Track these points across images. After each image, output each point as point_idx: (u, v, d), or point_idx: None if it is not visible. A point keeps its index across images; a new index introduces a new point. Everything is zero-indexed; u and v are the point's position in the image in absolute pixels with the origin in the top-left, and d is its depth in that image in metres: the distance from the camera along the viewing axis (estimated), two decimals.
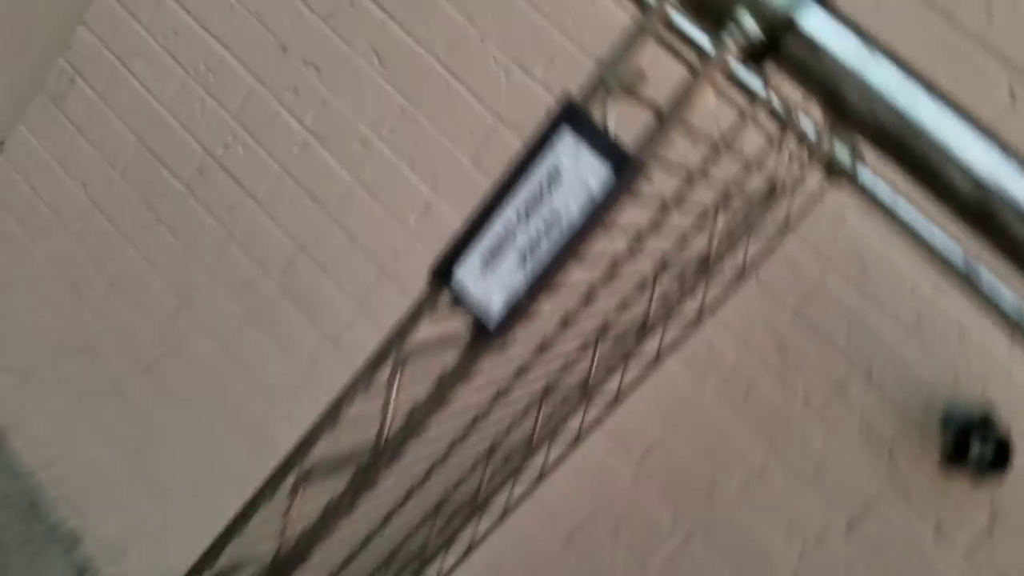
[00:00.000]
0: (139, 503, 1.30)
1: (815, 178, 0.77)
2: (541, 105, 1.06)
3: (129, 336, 1.31)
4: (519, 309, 0.31)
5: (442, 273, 0.32)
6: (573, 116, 0.30)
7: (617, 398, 0.78)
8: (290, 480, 0.36)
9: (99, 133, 1.33)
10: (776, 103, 0.48)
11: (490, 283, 0.31)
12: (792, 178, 0.60)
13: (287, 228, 1.21)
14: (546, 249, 0.30)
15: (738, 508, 0.97)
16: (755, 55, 0.28)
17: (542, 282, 0.30)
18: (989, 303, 0.72)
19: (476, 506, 0.72)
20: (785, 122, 0.55)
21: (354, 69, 1.17)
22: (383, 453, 0.33)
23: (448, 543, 0.77)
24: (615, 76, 0.29)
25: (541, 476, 0.84)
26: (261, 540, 0.40)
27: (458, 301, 0.32)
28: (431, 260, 0.93)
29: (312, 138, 1.20)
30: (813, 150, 0.68)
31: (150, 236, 1.30)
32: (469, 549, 0.79)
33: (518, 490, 0.80)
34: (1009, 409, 0.82)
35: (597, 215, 0.30)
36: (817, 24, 0.27)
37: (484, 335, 0.31)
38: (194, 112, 1.26)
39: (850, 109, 0.27)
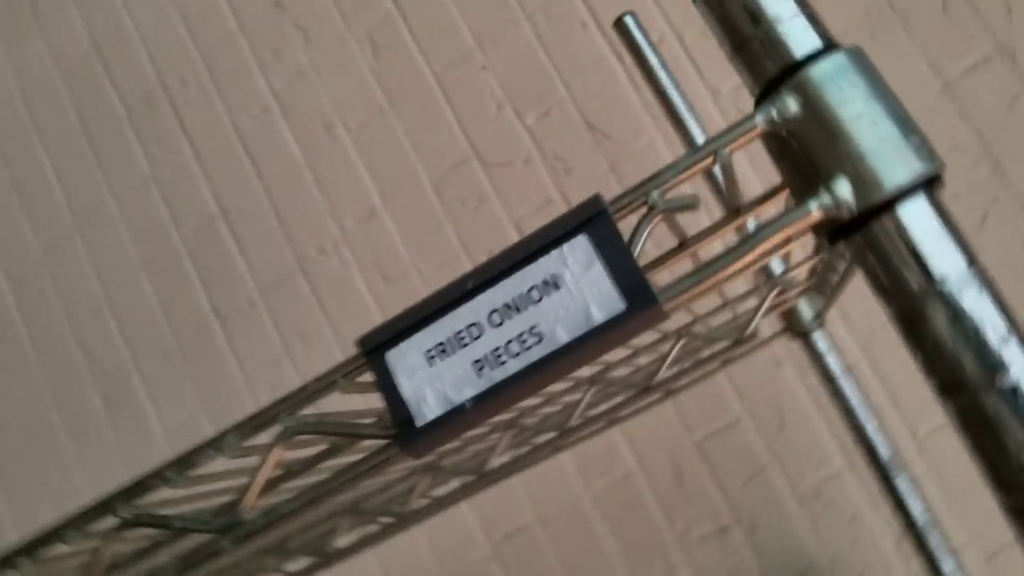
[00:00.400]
0: None
1: (769, 322, 0.74)
2: (522, 151, 1.01)
3: (9, 242, 1.19)
4: (455, 426, 0.25)
5: (372, 348, 0.26)
6: (597, 224, 0.24)
7: (497, 477, 0.73)
8: (107, 522, 0.29)
9: (54, 24, 1.22)
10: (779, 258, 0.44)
11: (429, 381, 0.25)
12: (756, 323, 0.56)
13: (217, 187, 1.12)
14: (513, 367, 0.24)
15: None
16: (835, 231, 0.23)
17: (496, 403, 0.25)
18: (898, 503, 0.69)
19: (325, 555, 0.64)
20: (777, 279, 0.51)
21: (345, 51, 1.10)
22: (230, 532, 0.27)
23: None
24: (663, 196, 0.24)
25: (398, 525, 0.76)
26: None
27: (382, 389, 0.26)
28: (356, 272, 0.86)
29: (276, 105, 1.12)
30: (782, 301, 0.64)
31: (69, 146, 1.19)
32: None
33: (371, 528, 0.73)
34: None
35: (590, 348, 0.24)
36: (919, 218, 0.22)
37: (402, 441, 0.25)
38: (163, 38, 1.17)
39: (927, 328, 0.22)
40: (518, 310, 0.25)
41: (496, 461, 0.61)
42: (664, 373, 0.54)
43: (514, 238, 1.02)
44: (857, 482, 0.83)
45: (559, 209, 1.00)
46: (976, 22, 0.81)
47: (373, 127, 1.08)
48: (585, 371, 0.56)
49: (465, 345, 0.25)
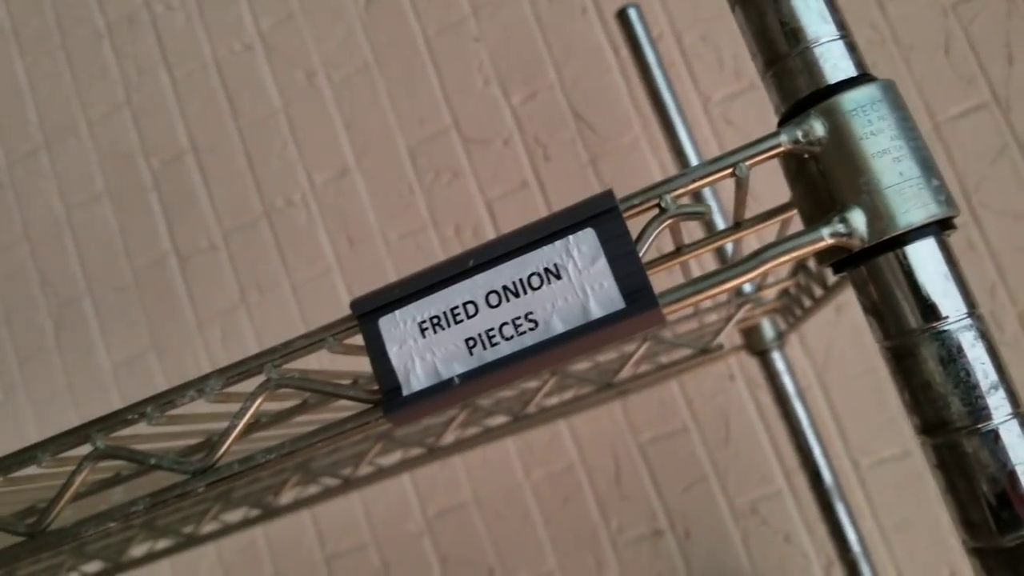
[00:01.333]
0: None
1: (728, 336, 0.74)
2: (504, 130, 1.00)
3: None
4: (441, 400, 0.25)
5: (365, 312, 0.26)
6: (607, 220, 0.24)
7: (445, 453, 0.73)
8: (79, 450, 0.28)
9: None
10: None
11: (419, 352, 0.25)
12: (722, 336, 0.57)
13: (190, 120, 1.10)
14: (505, 350, 0.24)
15: None
16: (842, 260, 0.23)
17: (484, 382, 0.24)
18: (835, 530, 0.71)
19: (268, 509, 0.64)
20: (748, 295, 0.51)
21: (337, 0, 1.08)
22: (204, 476, 0.26)
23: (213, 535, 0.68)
24: (675, 201, 0.24)
25: (341, 489, 0.76)
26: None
27: (371, 353, 0.25)
28: (322, 229, 0.85)
29: (260, 44, 1.10)
30: (747, 317, 0.65)
31: (45, 57, 1.16)
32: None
33: (312, 489, 0.72)
34: None
35: (584, 342, 0.24)
36: (926, 259, 0.22)
37: (387, 407, 0.25)
38: None
39: (918, 366, 0.22)
40: (516, 294, 0.24)
41: (448, 438, 0.61)
42: (625, 373, 0.55)
43: (485, 217, 1.02)
44: (795, 504, 0.85)
45: (533, 194, 0.99)
46: (976, 67, 0.83)
47: (355, 82, 1.06)
48: None
49: (459, 322, 0.25)
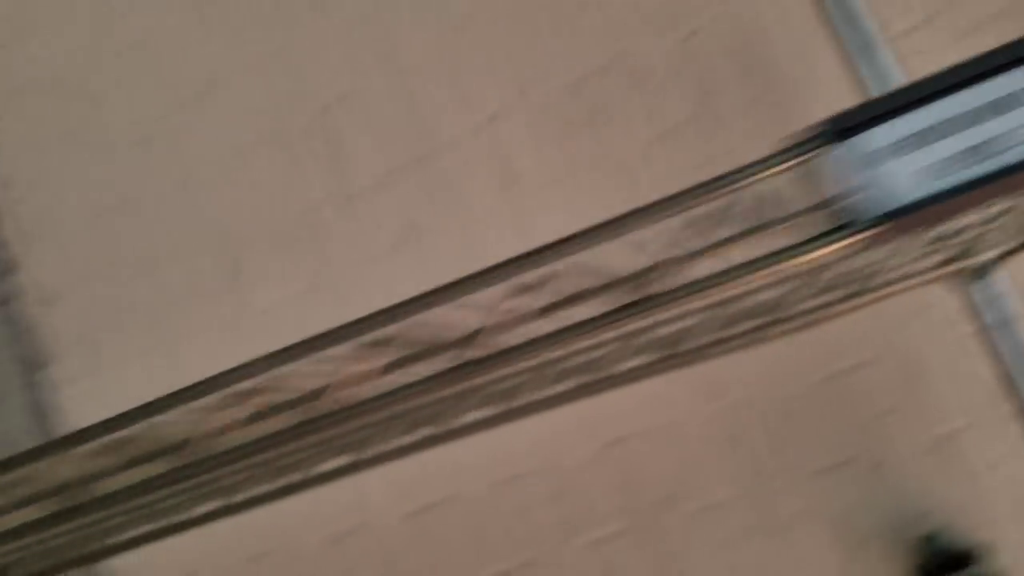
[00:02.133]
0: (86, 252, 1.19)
1: (928, 263, 0.72)
2: (663, 66, 0.98)
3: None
4: (939, 209, 0.24)
5: (843, 131, 0.26)
6: None
7: (614, 382, 0.73)
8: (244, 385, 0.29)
9: None
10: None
11: (906, 165, 0.25)
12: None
13: (334, 71, 1.11)
14: (1011, 159, 0.24)
15: (682, 530, 0.94)
16: None
17: (986, 192, 0.24)
18: None
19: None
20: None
21: None
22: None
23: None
24: None
25: (508, 416, 0.76)
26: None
27: (848, 169, 0.25)
28: (478, 172, 0.84)
29: None
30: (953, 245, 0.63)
31: (206, 5, 1.18)
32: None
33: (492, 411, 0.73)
34: None
35: None
36: None
37: (884, 216, 0.25)
38: None
39: None
40: (1005, 108, 0.24)
41: (625, 365, 0.61)
42: (878, 279, 0.54)
43: (639, 159, 1.00)
44: (990, 434, 0.84)
45: (694, 132, 0.98)
46: None
47: (515, 22, 1.05)
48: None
49: (948, 136, 0.24)
